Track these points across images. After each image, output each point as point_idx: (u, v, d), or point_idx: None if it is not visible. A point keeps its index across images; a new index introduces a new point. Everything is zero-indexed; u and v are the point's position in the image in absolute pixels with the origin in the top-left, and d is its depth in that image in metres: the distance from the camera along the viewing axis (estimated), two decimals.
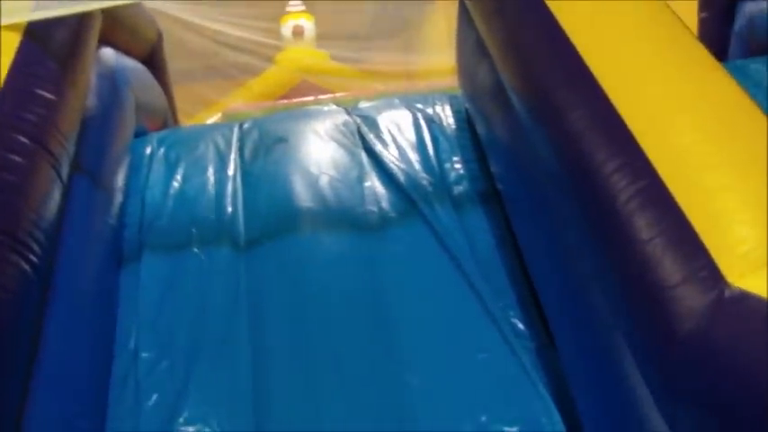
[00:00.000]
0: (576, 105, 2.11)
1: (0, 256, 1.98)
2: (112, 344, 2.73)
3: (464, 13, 3.14)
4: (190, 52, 7.69)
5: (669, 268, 1.71)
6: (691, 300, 1.63)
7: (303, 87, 9.46)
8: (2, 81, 2.31)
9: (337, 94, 7.72)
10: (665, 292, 1.69)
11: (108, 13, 3.21)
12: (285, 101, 8.32)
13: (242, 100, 9.10)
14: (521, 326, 2.71)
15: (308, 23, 10.04)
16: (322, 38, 9.89)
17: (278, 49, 9.52)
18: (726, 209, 1.72)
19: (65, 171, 2.43)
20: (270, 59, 9.52)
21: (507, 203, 2.95)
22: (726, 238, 1.66)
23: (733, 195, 1.74)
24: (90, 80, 2.89)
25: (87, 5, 2.70)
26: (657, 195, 1.81)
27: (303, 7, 9.88)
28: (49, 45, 2.54)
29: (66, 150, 2.45)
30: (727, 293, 1.56)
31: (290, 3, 9.66)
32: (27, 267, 2.04)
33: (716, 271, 1.60)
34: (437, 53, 8.20)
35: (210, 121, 8.34)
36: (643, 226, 1.79)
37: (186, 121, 6.36)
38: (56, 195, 2.34)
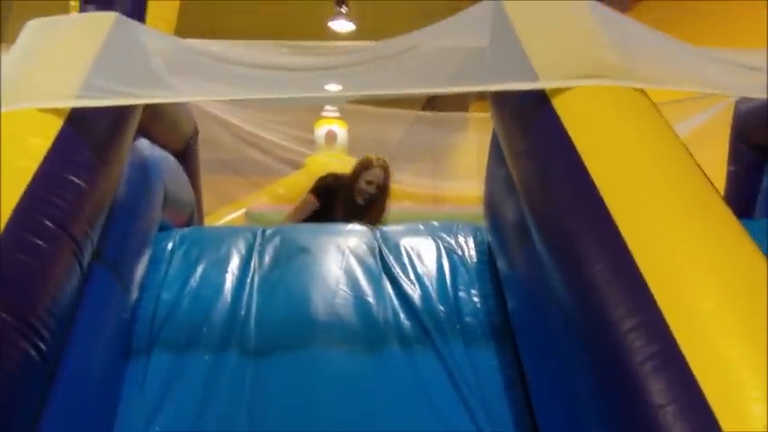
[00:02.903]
0: (597, 257, 2.10)
1: (7, 340, 1.97)
2: None
3: (495, 148, 3.18)
4: (219, 146, 7.78)
5: None
6: None
7: None
8: (39, 163, 2.33)
9: None
10: None
11: (149, 105, 3.26)
12: None
13: (266, 201, 9.17)
14: None
15: (341, 130, 10.20)
16: (353, 148, 10.01)
17: (305, 155, 9.62)
18: (740, 382, 1.69)
19: (86, 259, 2.44)
20: (296, 165, 9.62)
21: (520, 342, 2.92)
22: (738, 413, 1.63)
23: (749, 368, 1.71)
24: (123, 171, 2.91)
25: (132, 99, 2.73)
26: (672, 360, 1.78)
27: (338, 114, 10.04)
28: (88, 133, 2.56)
29: (89, 238, 2.46)
30: None
31: (326, 108, 9.81)
32: (34, 353, 2.03)
33: None
34: (466, 180, 8.28)
35: (232, 217, 8.40)
36: (655, 390, 1.77)
37: (208, 215, 6.40)
38: (74, 283, 2.34)
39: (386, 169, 5.43)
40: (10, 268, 2.07)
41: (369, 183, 5.30)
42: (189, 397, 2.88)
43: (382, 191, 5.37)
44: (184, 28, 3.73)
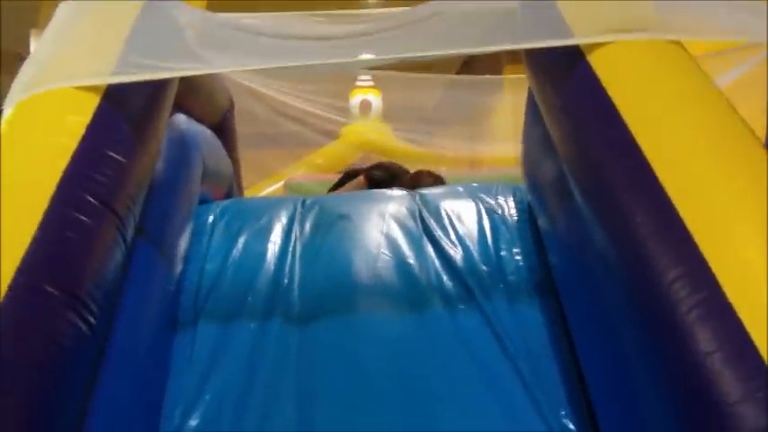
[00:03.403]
0: (639, 209, 2.10)
1: (58, 315, 2.00)
2: (161, 409, 2.73)
3: (532, 107, 3.17)
4: (256, 120, 7.80)
5: (728, 385, 1.68)
6: (748, 419, 1.60)
7: (365, 160, 9.54)
8: (78, 140, 2.35)
9: None
10: (723, 408, 1.67)
11: (184, 80, 3.27)
12: None
13: (304, 171, 9.20)
14: (571, 426, 2.67)
15: (375, 99, 10.17)
16: (388, 116, 9.99)
17: (341, 124, 9.63)
18: None
19: (129, 234, 2.46)
20: (333, 134, 9.62)
21: (564, 299, 2.92)
22: None
23: None
24: (161, 146, 2.93)
25: (167, 73, 2.75)
26: (719, 308, 1.79)
27: (372, 83, 10.02)
28: (125, 109, 2.58)
29: (132, 213, 2.48)
30: None
31: (360, 77, 9.80)
32: (85, 328, 2.06)
33: None
34: (502, 142, 8.25)
35: (272, 189, 8.44)
36: (702, 339, 1.77)
37: (248, 188, 6.44)
38: (118, 257, 2.37)
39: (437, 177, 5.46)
40: (55, 244, 2.09)
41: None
42: (236, 366, 2.91)
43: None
44: (215, 3, 3.74)
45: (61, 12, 2.94)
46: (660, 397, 1.93)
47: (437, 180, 5.38)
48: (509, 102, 8.46)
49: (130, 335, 2.49)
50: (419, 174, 5.47)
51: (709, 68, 2.52)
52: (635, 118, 2.26)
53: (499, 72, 9.12)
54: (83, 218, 2.20)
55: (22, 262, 1.99)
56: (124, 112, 2.58)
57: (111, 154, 2.42)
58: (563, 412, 2.71)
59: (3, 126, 2.44)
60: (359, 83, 10.06)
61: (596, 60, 2.48)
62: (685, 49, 2.52)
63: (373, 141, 9.98)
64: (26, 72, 2.67)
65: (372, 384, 2.84)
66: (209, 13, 3.26)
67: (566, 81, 2.63)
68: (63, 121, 2.42)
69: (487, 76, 8.80)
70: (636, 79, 2.41)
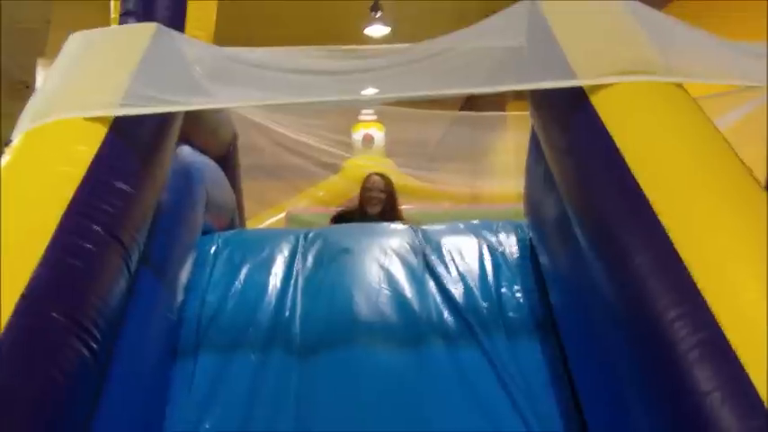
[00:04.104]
0: (640, 249, 2.12)
1: (62, 341, 2.02)
2: None
3: (534, 146, 3.19)
4: (258, 152, 7.83)
5: (726, 424, 1.70)
6: None
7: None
8: (85, 170, 2.38)
9: (402, 207, 7.76)
10: None
11: (190, 113, 3.31)
12: None
13: (305, 203, 9.22)
14: None
15: (378, 133, 10.23)
16: (391, 150, 10.02)
17: (343, 158, 9.66)
18: None
19: (133, 263, 2.48)
20: (335, 167, 9.65)
21: (564, 337, 2.93)
22: None
23: None
24: (167, 177, 2.95)
25: (174, 107, 2.78)
26: (718, 348, 1.81)
27: (375, 117, 10.06)
28: (132, 140, 2.62)
29: (136, 243, 2.50)
30: None
31: (363, 111, 9.84)
32: (88, 354, 2.08)
33: None
34: (504, 179, 8.27)
35: (273, 220, 8.45)
36: (702, 378, 1.79)
37: (250, 219, 6.45)
38: (122, 285, 2.39)
39: (383, 175, 5.80)
40: (60, 271, 2.12)
41: (369, 190, 5.59)
42: (236, 397, 2.91)
43: (389, 194, 5.64)
44: (222, 37, 3.77)
45: (71, 43, 2.99)
46: None
47: (380, 173, 5.81)
48: (512, 139, 8.48)
49: (131, 362, 2.50)
50: (365, 176, 5.77)
51: (709, 110, 2.54)
52: (637, 160, 2.29)
53: (503, 109, 9.16)
54: (88, 246, 2.23)
55: (26, 287, 2.01)
56: (131, 144, 2.61)
57: (118, 184, 2.45)
58: None
59: (11, 154, 2.46)
60: (362, 117, 10.11)
61: (599, 102, 2.51)
62: (686, 92, 2.55)
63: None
64: (35, 102, 2.71)
65: (371, 418, 2.84)
66: (216, 47, 3.29)
67: (569, 122, 2.66)
68: (70, 150, 2.45)
69: (491, 113, 8.83)
70: (638, 121, 2.44)
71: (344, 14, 10.36)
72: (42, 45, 11.22)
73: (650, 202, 2.15)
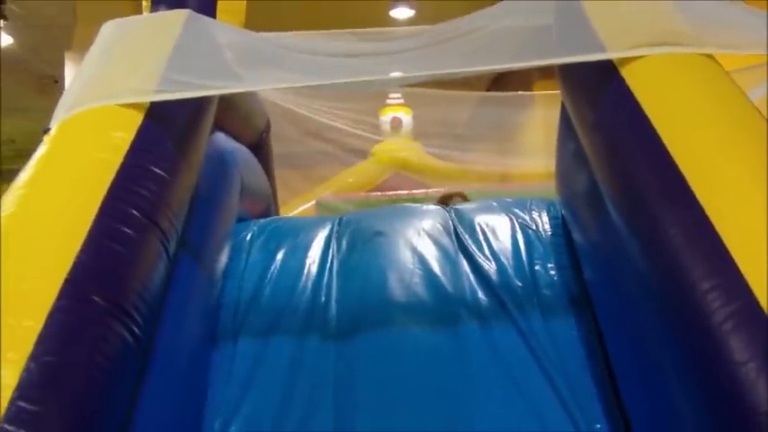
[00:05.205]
0: (673, 221, 2.12)
1: (105, 325, 2.05)
2: (201, 421, 2.78)
3: (565, 122, 3.19)
4: (287, 140, 7.87)
5: (759, 395, 1.70)
6: None
7: (396, 178, 9.58)
8: (123, 156, 2.42)
9: (431, 190, 7.77)
10: (758, 418, 1.68)
11: (223, 99, 3.34)
12: (379, 193, 8.42)
13: (335, 190, 9.25)
14: None
15: (406, 117, 10.25)
16: (419, 133, 10.03)
17: (372, 142, 9.68)
18: None
19: (172, 247, 2.51)
20: (363, 153, 9.67)
21: (599, 312, 2.93)
22: None
23: None
24: (202, 162, 2.99)
25: (208, 91, 2.81)
26: (753, 317, 1.80)
27: (402, 101, 10.07)
28: (167, 126, 2.65)
29: (174, 227, 2.53)
30: None
31: (390, 95, 9.85)
32: (130, 338, 2.10)
33: None
34: (533, 158, 8.26)
35: (303, 208, 8.50)
36: (737, 348, 1.79)
37: (281, 207, 6.49)
38: (161, 270, 2.42)
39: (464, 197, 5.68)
40: (102, 256, 2.14)
41: None
42: (275, 380, 2.95)
43: None
44: (251, 23, 3.81)
45: (104, 32, 3.02)
46: (694, 407, 1.94)
47: (465, 200, 5.51)
48: (540, 117, 8.47)
49: (172, 347, 2.54)
50: (449, 196, 5.59)
51: (742, 82, 2.53)
52: (669, 132, 2.28)
53: (530, 88, 9.14)
54: (128, 231, 2.26)
55: (70, 272, 2.04)
56: (167, 129, 2.64)
57: (155, 169, 2.48)
58: (598, 426, 2.72)
59: (49, 143, 2.50)
60: (389, 101, 10.13)
61: (630, 75, 2.50)
62: (718, 63, 2.54)
63: (404, 159, 10.03)
64: (71, 91, 2.74)
65: (409, 398, 2.86)
66: (247, 32, 3.32)
67: (599, 96, 2.66)
68: (107, 137, 2.48)
69: (518, 93, 8.82)
70: (670, 93, 2.43)
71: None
72: (69, 40, 11.30)
73: (684, 174, 2.14)
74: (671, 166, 2.18)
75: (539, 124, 8.53)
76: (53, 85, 13.68)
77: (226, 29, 3.21)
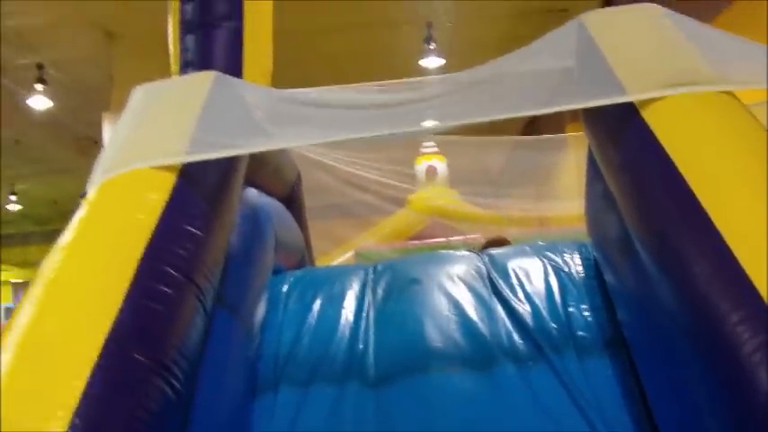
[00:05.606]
0: (698, 257, 2.15)
1: (146, 380, 2.10)
2: None
3: (592, 164, 3.22)
4: (325, 191, 7.94)
5: None
6: None
7: (434, 226, 9.61)
8: (158, 217, 2.48)
9: (468, 236, 7.80)
10: None
11: (254, 155, 3.40)
12: (417, 241, 8.46)
13: (373, 239, 9.30)
14: None
15: (440, 164, 10.31)
16: (455, 180, 10.07)
17: (408, 191, 9.73)
18: None
19: (209, 303, 2.57)
20: (400, 201, 9.72)
21: (634, 352, 2.94)
22: None
23: None
24: (235, 219, 3.05)
25: (238, 150, 2.87)
26: None
27: (436, 149, 10.13)
28: (200, 186, 2.72)
29: (211, 285, 2.59)
30: None
31: (424, 144, 9.92)
32: (171, 393, 2.15)
33: None
34: (569, 200, 8.26)
35: (343, 258, 8.55)
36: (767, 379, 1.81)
37: (320, 258, 6.54)
38: (199, 326, 2.47)
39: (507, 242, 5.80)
40: (141, 314, 2.20)
41: None
42: (316, 430, 2.98)
43: None
44: (279, 78, 3.87)
45: (134, 96, 3.10)
46: None
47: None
48: (573, 159, 8.49)
49: (213, 400, 2.58)
50: (494, 242, 5.64)
51: (761, 118, 2.55)
52: (692, 171, 2.32)
53: (563, 129, 9.16)
54: (166, 289, 2.32)
55: (111, 330, 2.10)
56: (199, 189, 2.71)
57: (189, 228, 2.54)
58: None
59: (87, 206, 2.58)
60: (423, 149, 10.20)
61: (650, 116, 2.54)
62: (738, 100, 2.56)
63: (441, 207, 10.07)
64: (106, 155, 2.82)
65: None
66: (274, 90, 3.38)
67: (622, 137, 2.69)
68: (142, 199, 2.55)
69: (551, 136, 8.84)
70: (691, 132, 2.47)
71: (399, 48, 10.49)
72: (107, 101, 11.53)
73: (707, 212, 2.17)
74: (694, 205, 2.21)
75: (573, 166, 8.54)
76: (92, 146, 13.94)
77: (252, 88, 3.27)
